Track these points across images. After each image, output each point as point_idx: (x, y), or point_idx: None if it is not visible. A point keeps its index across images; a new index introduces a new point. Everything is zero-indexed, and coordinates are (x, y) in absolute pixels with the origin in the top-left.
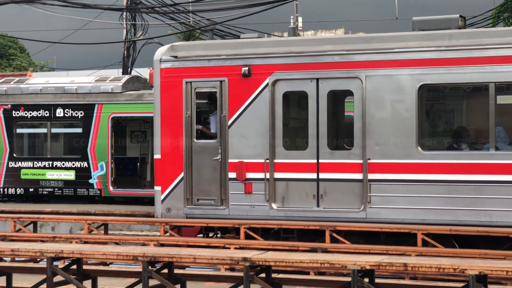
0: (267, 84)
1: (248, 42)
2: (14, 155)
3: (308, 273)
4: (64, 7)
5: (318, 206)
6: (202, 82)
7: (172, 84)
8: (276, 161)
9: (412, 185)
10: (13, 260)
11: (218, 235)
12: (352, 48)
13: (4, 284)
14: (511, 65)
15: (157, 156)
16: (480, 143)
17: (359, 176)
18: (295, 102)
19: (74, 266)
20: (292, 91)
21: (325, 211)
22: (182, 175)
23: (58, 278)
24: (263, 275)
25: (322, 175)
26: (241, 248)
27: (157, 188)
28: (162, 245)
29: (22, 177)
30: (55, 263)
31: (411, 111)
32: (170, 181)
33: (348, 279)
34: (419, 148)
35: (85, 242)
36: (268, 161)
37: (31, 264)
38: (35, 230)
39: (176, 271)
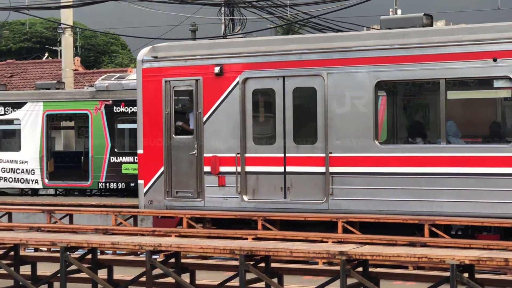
0: (237, 83)
1: (221, 42)
2: (115, 150)
3: (406, 267)
4: (163, 3)
5: (285, 198)
6: (180, 81)
7: (153, 83)
8: (246, 155)
9: (370, 177)
10: (114, 253)
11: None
12: (315, 47)
13: (106, 276)
14: (460, 62)
15: (140, 151)
16: (433, 137)
17: (322, 169)
18: (264, 99)
19: (172, 260)
20: (260, 89)
21: (291, 203)
22: (162, 169)
23: (157, 271)
24: (360, 269)
25: (289, 169)
26: (338, 242)
27: (140, 181)
28: (259, 238)
29: (123, 171)
30: (154, 256)
31: (369, 107)
32: (152, 175)
33: (447, 274)
34: (376, 142)
35: (183, 236)
36: (239, 155)
37: (131, 257)
38: (135, 224)
39: (273, 264)
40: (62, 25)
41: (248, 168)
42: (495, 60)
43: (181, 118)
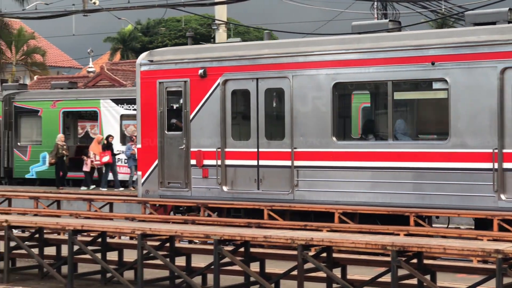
0: (218, 84)
1: (205, 47)
2: None
3: None
4: None
5: (258, 189)
6: (171, 82)
7: (149, 84)
8: (226, 150)
9: (328, 171)
10: (265, 247)
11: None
12: (283, 52)
13: (257, 269)
14: (405, 65)
15: (138, 146)
16: (383, 134)
17: (288, 163)
18: (241, 98)
19: (324, 254)
20: (238, 89)
21: (263, 193)
22: (156, 162)
23: (308, 266)
24: None
25: (261, 162)
26: (494, 240)
27: (139, 173)
28: (412, 235)
29: None
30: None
31: (327, 106)
32: (148, 167)
33: None
34: (334, 139)
35: (334, 231)
36: (220, 150)
37: (282, 251)
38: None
39: (426, 261)
40: (216, 21)
41: (228, 162)
42: (433, 63)
43: (175, 115)
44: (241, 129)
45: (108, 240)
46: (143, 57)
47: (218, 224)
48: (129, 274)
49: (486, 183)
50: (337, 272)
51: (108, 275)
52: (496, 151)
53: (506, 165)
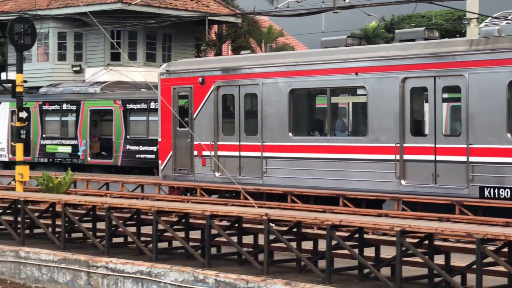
0: (213, 89)
1: (203, 60)
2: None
3: None
4: None
5: (240, 175)
6: (181, 88)
7: (167, 90)
8: (218, 143)
9: (287, 160)
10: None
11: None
12: (256, 63)
13: (443, 262)
14: (339, 75)
15: (159, 139)
16: (324, 131)
17: (259, 154)
18: (229, 101)
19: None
20: (227, 94)
21: (243, 179)
22: (171, 153)
23: (489, 260)
24: None
25: (242, 153)
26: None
27: (159, 161)
28: None
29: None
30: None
31: (285, 108)
32: (165, 157)
33: None
34: (290, 134)
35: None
36: (213, 143)
37: (463, 245)
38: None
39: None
40: (467, 16)
41: (219, 153)
42: (356, 74)
43: (186, 115)
44: (229, 126)
45: (366, 236)
46: (163, 67)
47: (476, 223)
48: (385, 271)
49: (391, 171)
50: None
51: (365, 271)
52: (398, 145)
53: (406, 156)
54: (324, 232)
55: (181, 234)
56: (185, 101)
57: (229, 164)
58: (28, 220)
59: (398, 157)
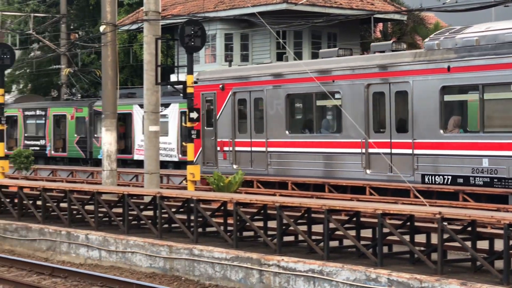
0: (231, 94)
1: (224, 70)
2: None
3: None
4: None
5: (251, 167)
6: (207, 93)
7: (197, 95)
8: (236, 140)
9: (285, 154)
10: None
11: None
12: (260, 73)
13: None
14: (320, 82)
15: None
16: (313, 129)
17: (264, 149)
18: (243, 105)
19: None
20: (241, 98)
21: (254, 170)
22: (200, 149)
23: None
24: None
25: (254, 149)
26: None
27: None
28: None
29: None
30: None
31: (283, 110)
32: (197, 151)
33: None
34: (287, 132)
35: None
36: (231, 140)
37: None
38: None
39: None
40: None
41: (237, 148)
42: (333, 81)
43: (212, 116)
44: (243, 126)
45: None
46: (195, 76)
47: None
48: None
49: (359, 162)
50: None
51: None
52: (364, 140)
53: (370, 150)
54: (500, 231)
55: (352, 232)
56: (210, 105)
57: (243, 157)
58: (201, 219)
59: (364, 150)
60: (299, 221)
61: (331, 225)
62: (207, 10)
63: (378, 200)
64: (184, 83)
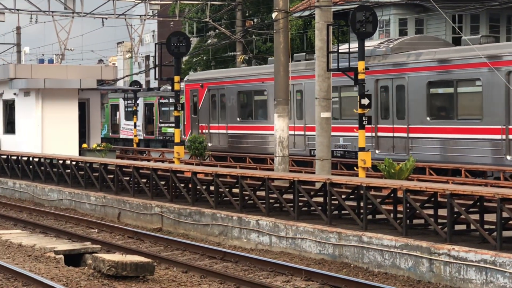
0: (207, 91)
1: (203, 73)
2: None
3: None
4: None
5: (219, 144)
6: (193, 90)
7: (187, 91)
8: (210, 125)
9: (236, 136)
10: None
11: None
12: (223, 75)
13: None
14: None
15: (185, 122)
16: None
17: (225, 131)
18: (215, 99)
19: None
20: (213, 94)
21: (221, 147)
22: (190, 130)
23: None
24: None
25: (220, 131)
26: None
27: (184, 137)
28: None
29: None
30: None
31: (236, 103)
32: (187, 133)
33: None
34: (238, 119)
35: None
36: (207, 125)
37: None
38: None
39: None
40: None
41: (211, 131)
42: (263, 82)
43: (196, 107)
44: (214, 114)
45: None
46: (186, 77)
47: None
48: None
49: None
50: None
51: None
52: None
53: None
54: None
55: None
56: (194, 98)
57: (216, 138)
58: (370, 206)
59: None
60: (472, 209)
61: (505, 215)
62: None
63: None
64: (355, 69)
